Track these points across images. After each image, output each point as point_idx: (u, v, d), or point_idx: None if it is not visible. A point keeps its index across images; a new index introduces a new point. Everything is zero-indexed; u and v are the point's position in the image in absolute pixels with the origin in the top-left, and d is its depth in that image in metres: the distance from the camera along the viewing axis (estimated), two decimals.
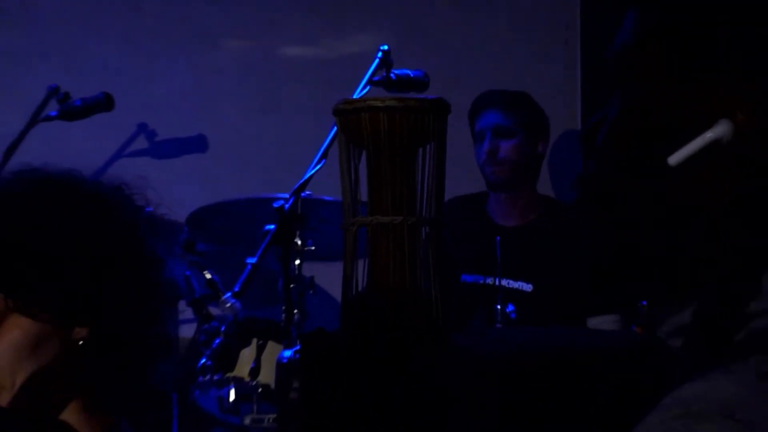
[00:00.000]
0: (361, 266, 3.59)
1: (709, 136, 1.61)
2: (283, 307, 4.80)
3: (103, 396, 2.68)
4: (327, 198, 4.81)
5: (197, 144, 6.04)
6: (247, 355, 4.58)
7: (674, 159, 1.63)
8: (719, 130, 1.60)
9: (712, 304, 1.65)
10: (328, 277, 4.86)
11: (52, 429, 2.61)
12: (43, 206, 2.61)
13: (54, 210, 2.61)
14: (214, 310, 5.02)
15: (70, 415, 2.64)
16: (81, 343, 2.58)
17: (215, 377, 4.67)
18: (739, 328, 1.58)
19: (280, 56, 6.89)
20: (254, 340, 4.53)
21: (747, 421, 1.50)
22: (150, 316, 2.66)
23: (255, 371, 4.51)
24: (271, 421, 4.47)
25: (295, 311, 4.77)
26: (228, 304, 4.90)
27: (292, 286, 4.81)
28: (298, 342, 4.10)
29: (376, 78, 4.06)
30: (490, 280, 5.09)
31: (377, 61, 4.13)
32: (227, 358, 4.60)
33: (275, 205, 4.87)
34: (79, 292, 2.56)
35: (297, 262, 4.85)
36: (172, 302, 2.68)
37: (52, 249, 2.56)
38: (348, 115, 3.51)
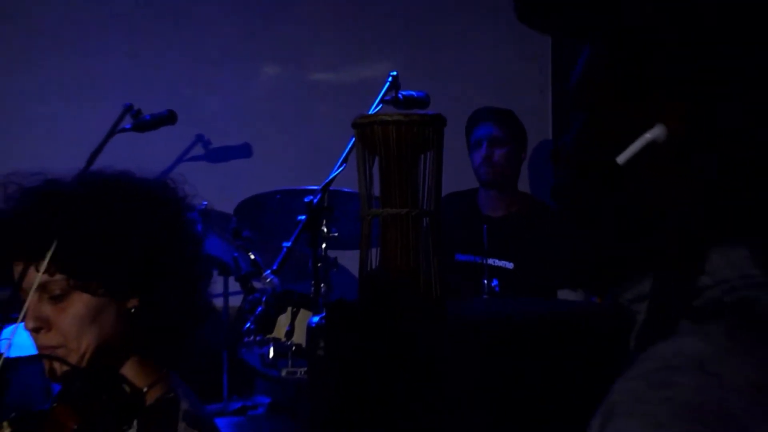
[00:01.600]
0: (374, 250, 3.60)
1: (647, 137, 1.64)
2: (312, 282, 4.81)
3: (153, 353, 2.68)
4: (347, 190, 4.78)
5: (243, 150, 6.05)
6: (283, 320, 4.59)
7: (622, 158, 1.65)
8: (655, 132, 1.63)
9: (669, 279, 1.66)
10: (348, 258, 4.87)
11: (113, 382, 2.57)
12: (101, 203, 2.60)
13: (110, 205, 2.60)
14: (257, 284, 5.04)
15: (127, 369, 2.64)
16: (133, 311, 2.60)
17: (257, 338, 4.69)
18: (695, 297, 1.61)
19: (310, 79, 6.89)
20: (289, 309, 4.54)
21: (715, 372, 1.51)
22: (189, 288, 2.66)
23: (290, 333, 4.52)
24: (302, 373, 4.47)
25: (322, 285, 4.78)
26: (268, 280, 4.93)
27: (319, 265, 4.83)
28: (324, 310, 4.11)
29: (387, 98, 4.06)
30: (479, 260, 5.11)
31: (388, 84, 4.11)
32: (267, 323, 4.62)
33: (306, 199, 4.89)
34: (131, 271, 2.56)
35: (323, 246, 4.86)
36: (208, 276, 2.66)
37: (108, 237, 2.55)
38: (364, 127, 3.51)
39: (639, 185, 1.66)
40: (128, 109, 5.44)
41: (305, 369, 4.40)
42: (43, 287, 2.55)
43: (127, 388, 2.58)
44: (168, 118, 5.47)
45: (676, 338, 1.56)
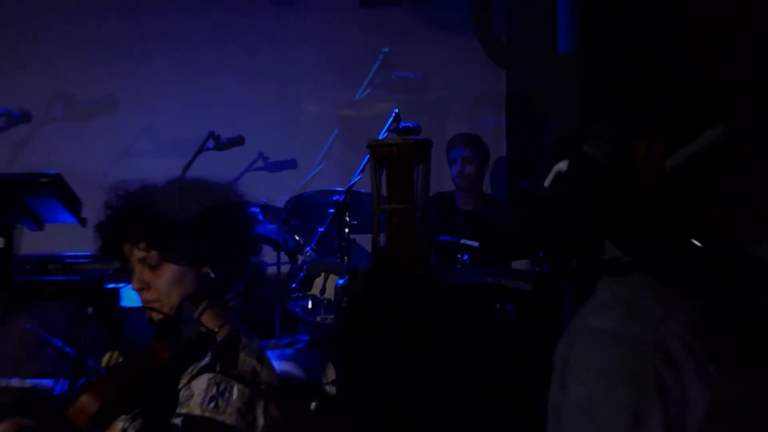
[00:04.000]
0: (382, 234, 3.69)
1: (558, 167, 1.69)
2: (338, 255, 4.84)
3: (222, 304, 2.70)
4: (363, 191, 4.80)
5: (290, 164, 6.03)
6: (318, 282, 4.58)
7: (547, 182, 1.67)
8: (560, 166, 1.67)
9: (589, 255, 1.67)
10: (363, 239, 4.87)
11: (194, 324, 2.61)
12: (182, 201, 2.64)
13: (187, 202, 2.64)
14: (300, 258, 5.07)
15: (205, 317, 2.65)
16: (208, 275, 2.64)
17: (300, 294, 4.74)
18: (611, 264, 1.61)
19: (338, 115, 6.79)
20: (323, 273, 4.57)
21: (636, 308, 1.55)
22: (245, 259, 2.75)
23: (323, 291, 4.58)
24: (331, 319, 4.49)
25: (345, 258, 4.81)
26: (308, 254, 4.96)
27: (343, 243, 4.86)
28: (346, 275, 4.12)
29: (391, 128, 4.11)
30: (455, 240, 5.08)
31: (391, 118, 4.17)
32: (307, 284, 4.64)
33: (334, 198, 4.97)
34: (205, 247, 2.60)
35: (346, 230, 4.89)
36: (258, 250, 2.74)
37: (186, 225, 2.59)
38: (376, 148, 3.55)
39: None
40: (212, 134, 5.44)
41: (333, 316, 4.42)
42: (143, 260, 2.60)
43: (203, 329, 2.58)
44: (239, 140, 5.48)
45: (604, 289, 1.59)
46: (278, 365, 2.73)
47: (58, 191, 4.72)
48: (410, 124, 4.01)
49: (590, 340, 1.52)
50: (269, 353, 2.72)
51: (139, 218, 2.60)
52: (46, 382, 5.13)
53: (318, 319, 4.81)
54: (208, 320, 2.62)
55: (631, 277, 1.57)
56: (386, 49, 4.16)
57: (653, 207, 1.56)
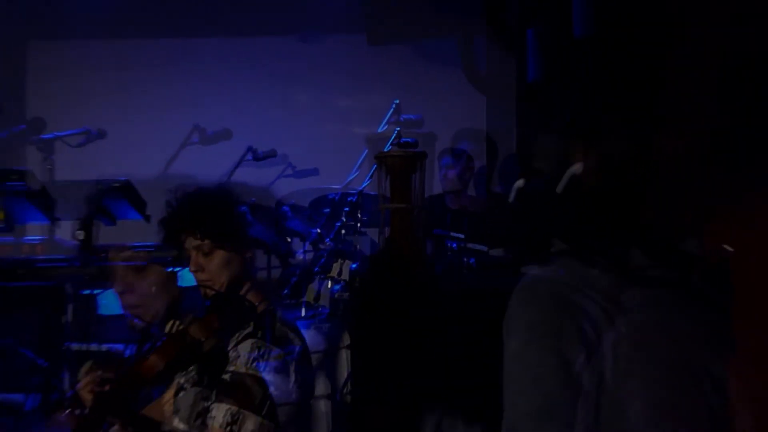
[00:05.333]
0: (386, 227, 3.63)
1: (571, 170, 1.60)
2: (352, 245, 4.84)
3: (262, 284, 2.77)
4: (371, 193, 4.77)
5: (314, 171, 5.97)
6: (335, 266, 4.56)
7: (559, 188, 1.63)
8: (574, 168, 1.62)
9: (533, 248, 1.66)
10: (371, 232, 4.82)
11: (239, 300, 2.64)
12: (224, 200, 2.68)
13: (233, 200, 2.69)
14: (321, 246, 5.02)
15: (248, 294, 2.66)
16: (250, 259, 2.66)
17: (321, 277, 4.70)
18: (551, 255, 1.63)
19: (355, 135, 6.72)
20: (339, 259, 4.49)
21: (563, 280, 1.57)
22: (276, 244, 2.77)
23: (340, 272, 4.49)
24: (346, 296, 4.46)
25: (357, 246, 4.78)
26: (327, 243, 4.92)
27: (355, 234, 4.85)
28: (357, 261, 4.14)
29: (395, 142, 4.03)
30: (445, 232, 5.06)
31: (395, 134, 4.10)
32: (329, 267, 4.63)
33: (348, 199, 4.89)
34: (245, 237, 2.63)
35: (357, 224, 4.87)
36: (287, 236, 2.78)
37: (230, 218, 2.63)
38: (382, 159, 3.57)
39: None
40: (250, 149, 5.38)
41: (348, 293, 4.40)
42: (198, 247, 2.61)
43: (247, 303, 2.61)
44: (273, 153, 5.44)
45: (538, 267, 1.59)
46: (305, 333, 2.74)
47: (128, 194, 4.75)
48: (409, 140, 4.02)
49: (524, 304, 1.54)
50: (298, 323, 2.74)
51: (195, 214, 2.62)
52: (119, 346, 5.16)
53: (336, 295, 4.81)
54: (250, 297, 2.63)
55: (564, 259, 1.60)
56: (397, 101, 4.16)
57: (588, 209, 1.58)
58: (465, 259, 4.94)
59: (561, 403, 1.47)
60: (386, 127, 3.74)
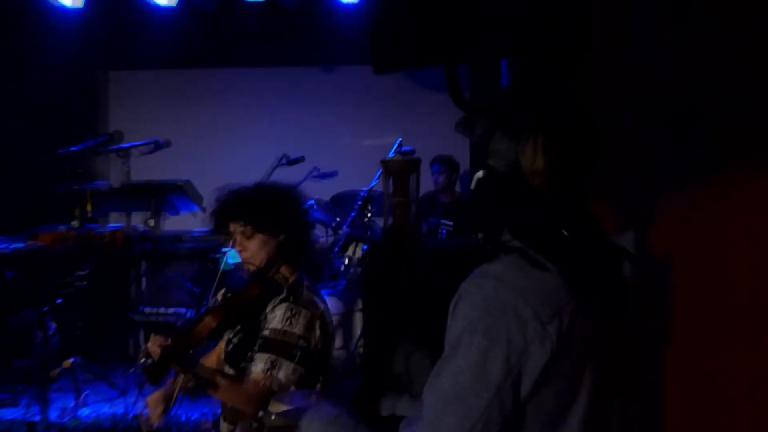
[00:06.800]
0: (389, 217, 3.53)
1: (477, 175, 1.54)
2: (363, 231, 4.84)
3: (293, 260, 2.66)
4: (378, 190, 4.76)
5: (334, 173, 5.90)
6: (351, 248, 4.52)
7: (471, 187, 1.55)
8: (479, 173, 1.54)
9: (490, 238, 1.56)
10: (378, 221, 4.77)
11: (274, 273, 2.61)
12: (264, 194, 2.64)
13: (270, 195, 2.64)
14: (339, 232, 5.04)
15: (282, 269, 2.62)
16: (282, 241, 2.61)
17: (340, 255, 4.71)
18: (502, 246, 1.51)
19: (362, 144, 6.74)
20: (354, 242, 4.47)
21: (504, 280, 1.44)
22: (307, 233, 2.71)
23: (354, 253, 4.47)
24: (359, 272, 4.46)
25: (368, 232, 4.76)
26: (344, 230, 4.96)
27: (366, 221, 4.85)
28: (367, 243, 4.12)
29: (396, 151, 4.01)
30: (437, 221, 5.05)
31: (396, 145, 4.11)
32: (344, 249, 4.58)
33: (360, 194, 4.89)
34: (280, 222, 2.58)
35: (368, 215, 4.86)
36: (313, 225, 2.73)
37: (268, 207, 2.60)
38: (386, 163, 3.51)
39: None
40: (284, 155, 5.36)
41: (361, 270, 4.40)
42: (241, 232, 2.59)
43: (280, 275, 2.59)
44: (302, 159, 5.41)
45: (491, 263, 1.45)
46: (327, 299, 2.73)
47: (188, 190, 4.76)
48: (408, 149, 4.00)
49: (468, 298, 1.41)
50: (321, 291, 2.74)
51: (237, 206, 2.60)
52: (182, 310, 5.19)
53: (351, 271, 4.79)
54: (284, 270, 2.62)
55: (511, 257, 1.44)
56: (400, 139, 4.15)
57: (536, 203, 1.45)
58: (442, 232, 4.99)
59: (470, 395, 1.36)
60: (393, 155, 3.72)
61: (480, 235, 1.58)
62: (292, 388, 2.40)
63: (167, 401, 2.43)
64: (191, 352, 2.35)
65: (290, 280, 2.60)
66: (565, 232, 1.42)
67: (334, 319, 4.52)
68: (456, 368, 1.37)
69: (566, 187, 1.45)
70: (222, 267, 2.94)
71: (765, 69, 1.59)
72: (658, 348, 1.97)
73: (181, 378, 2.33)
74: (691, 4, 1.89)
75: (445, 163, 5.94)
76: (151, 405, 2.50)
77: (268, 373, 2.40)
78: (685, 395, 1.91)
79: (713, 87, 1.78)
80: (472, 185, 1.53)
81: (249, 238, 2.59)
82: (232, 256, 3.27)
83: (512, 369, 1.35)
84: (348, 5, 6.14)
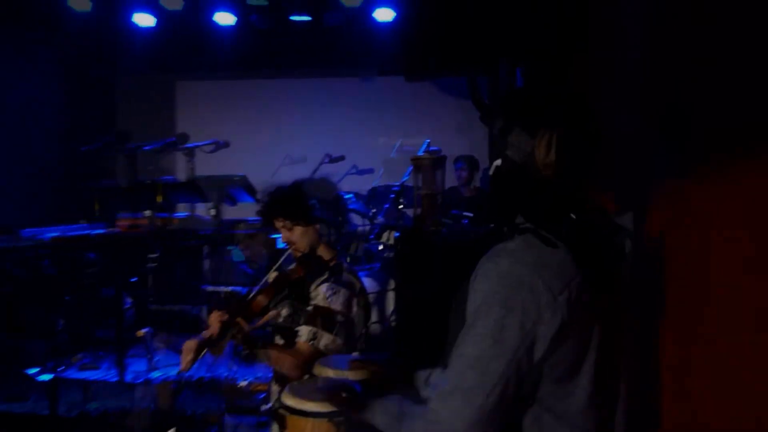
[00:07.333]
0: (419, 208, 3.50)
1: (495, 163, 1.51)
2: (396, 220, 4.83)
3: (332, 245, 2.69)
4: (409, 185, 4.73)
5: (370, 170, 5.90)
6: (385, 235, 4.52)
7: (490, 172, 1.53)
8: (497, 162, 1.51)
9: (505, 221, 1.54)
10: (409, 212, 4.76)
11: (316, 257, 2.62)
12: (300, 191, 2.65)
13: (301, 192, 2.65)
14: (375, 221, 5.01)
15: (321, 251, 2.65)
16: (318, 229, 2.62)
17: (377, 241, 4.66)
18: (515, 228, 1.48)
19: (398, 145, 6.66)
20: (388, 230, 4.47)
21: (519, 257, 1.42)
22: (338, 221, 2.75)
23: (387, 239, 4.46)
24: (392, 256, 4.43)
25: (400, 221, 4.76)
26: (379, 219, 4.93)
27: (398, 212, 4.81)
28: (400, 231, 4.11)
29: (424, 150, 3.99)
30: (460, 212, 5.02)
31: (424, 145, 4.09)
32: (379, 236, 4.59)
33: (393, 188, 4.88)
34: (315, 216, 2.59)
35: (400, 206, 4.85)
36: (348, 216, 2.72)
37: (301, 203, 2.60)
38: (415, 161, 3.48)
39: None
40: (327, 155, 5.37)
41: (393, 254, 4.39)
42: (283, 225, 2.61)
43: (322, 259, 2.61)
44: (341, 158, 5.41)
45: (506, 242, 1.44)
46: (364, 280, 2.72)
47: (244, 184, 4.82)
48: (435, 148, 3.99)
49: (485, 273, 1.39)
50: (360, 273, 2.74)
51: (277, 203, 2.62)
52: (238, 288, 5.25)
53: (385, 254, 4.79)
54: (323, 253, 2.63)
55: (524, 236, 1.42)
56: (428, 140, 4.13)
57: (546, 190, 1.44)
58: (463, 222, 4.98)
59: (490, 358, 1.35)
60: (421, 153, 3.69)
61: (496, 218, 1.57)
62: (331, 355, 2.42)
63: (198, 352, 2.33)
64: (246, 324, 2.35)
65: (331, 263, 2.61)
66: (573, 215, 1.42)
67: (371, 296, 4.53)
68: (476, 335, 1.36)
69: (573, 176, 1.44)
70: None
71: (743, 70, 1.59)
72: (653, 313, 1.97)
73: (216, 339, 2.29)
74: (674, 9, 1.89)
75: (466, 161, 5.92)
76: (184, 351, 2.41)
77: (311, 343, 2.42)
78: (677, 353, 1.92)
79: (697, 87, 1.78)
80: (491, 171, 1.52)
81: (290, 229, 2.60)
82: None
83: (527, 335, 1.35)
84: (383, 24, 6.15)
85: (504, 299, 1.35)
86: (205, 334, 2.31)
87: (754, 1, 1.55)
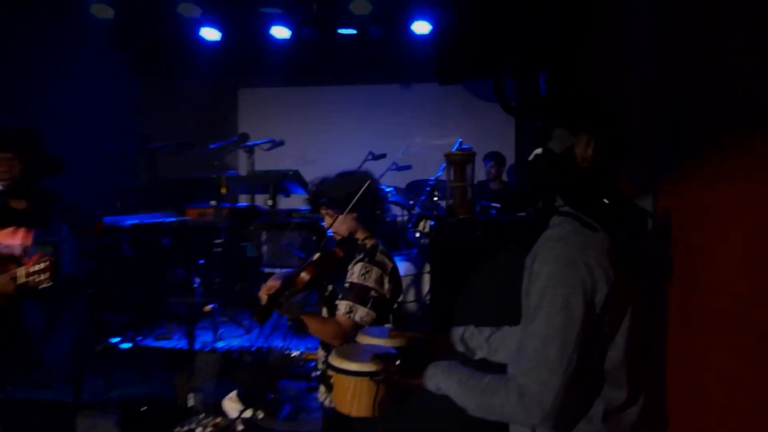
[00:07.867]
0: (451, 200, 3.45)
1: (536, 152, 1.55)
2: (431, 210, 4.78)
3: (369, 230, 2.65)
4: (443, 179, 4.66)
5: (408, 167, 5.85)
6: (422, 224, 4.45)
7: (530, 158, 1.57)
8: (537, 150, 1.55)
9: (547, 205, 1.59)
10: (443, 203, 4.69)
11: (355, 240, 2.61)
12: (341, 182, 2.61)
13: (342, 183, 2.61)
14: (413, 212, 4.95)
15: (359, 234, 2.63)
16: (357, 216, 2.59)
17: (413, 229, 4.62)
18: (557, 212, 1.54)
19: (430, 144, 6.66)
20: (424, 219, 4.42)
21: (569, 240, 1.47)
22: (380, 210, 2.65)
23: (423, 227, 4.40)
24: (426, 242, 4.41)
25: (434, 211, 4.70)
26: (416, 210, 4.87)
27: (433, 202, 4.76)
28: (434, 220, 4.07)
29: (457, 147, 3.94)
30: (488, 203, 4.96)
31: (457, 143, 4.04)
32: (416, 224, 4.52)
33: (429, 182, 4.83)
34: (354, 205, 2.53)
35: (435, 198, 4.78)
36: (385, 206, 2.63)
37: (342, 193, 2.56)
38: (449, 156, 3.46)
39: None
40: (370, 153, 5.34)
41: (428, 240, 4.35)
42: (326, 213, 2.61)
43: (359, 241, 2.60)
44: (382, 155, 5.37)
45: (551, 229, 1.51)
46: (403, 264, 2.70)
47: (297, 178, 4.83)
48: (466, 146, 3.93)
49: (543, 260, 1.43)
50: (399, 257, 2.71)
51: (320, 194, 2.61)
52: (288, 270, 5.27)
53: (421, 241, 4.77)
54: (362, 237, 2.62)
55: (566, 221, 1.48)
56: (460, 140, 4.06)
57: (584, 179, 1.51)
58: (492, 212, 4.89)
59: (564, 330, 1.39)
60: (455, 149, 3.61)
61: (536, 200, 1.60)
62: (367, 326, 2.42)
63: (275, 290, 2.33)
64: (292, 298, 2.36)
65: (367, 245, 2.60)
66: (606, 201, 1.48)
67: (408, 278, 4.47)
68: (547, 315, 1.40)
69: (606, 168, 1.51)
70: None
71: (741, 71, 1.52)
72: (667, 286, 1.92)
73: (264, 310, 2.28)
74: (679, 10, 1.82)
75: (495, 158, 5.87)
76: (269, 282, 2.47)
77: (348, 315, 2.42)
78: (686, 324, 1.84)
79: (701, 88, 1.70)
80: (530, 158, 1.56)
81: (332, 216, 2.60)
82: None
83: (588, 305, 1.40)
84: (420, 36, 6.11)
85: (565, 279, 1.41)
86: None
87: (761, 2, 1.48)
